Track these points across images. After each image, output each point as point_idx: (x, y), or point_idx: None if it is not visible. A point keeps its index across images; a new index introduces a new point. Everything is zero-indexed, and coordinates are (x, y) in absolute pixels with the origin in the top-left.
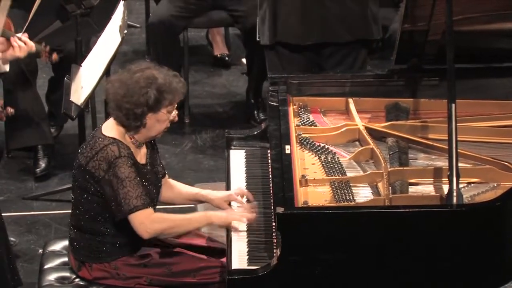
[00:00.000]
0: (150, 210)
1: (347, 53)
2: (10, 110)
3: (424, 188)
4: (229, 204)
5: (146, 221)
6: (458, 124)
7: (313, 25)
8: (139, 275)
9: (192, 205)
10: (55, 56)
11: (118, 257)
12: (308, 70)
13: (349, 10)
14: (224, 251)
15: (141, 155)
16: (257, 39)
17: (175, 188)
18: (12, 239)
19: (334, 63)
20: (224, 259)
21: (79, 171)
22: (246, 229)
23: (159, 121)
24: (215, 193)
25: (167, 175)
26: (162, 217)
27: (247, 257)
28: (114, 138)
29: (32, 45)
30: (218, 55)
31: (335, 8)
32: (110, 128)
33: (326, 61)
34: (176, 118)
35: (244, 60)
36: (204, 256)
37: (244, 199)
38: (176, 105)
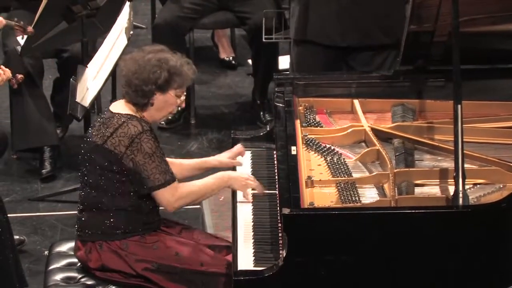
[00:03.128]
0: (176, 183)
1: (377, 52)
2: (20, 75)
3: (430, 189)
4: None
5: (173, 197)
6: (464, 125)
7: (350, 27)
8: (148, 258)
9: (198, 206)
10: (29, 29)
11: (132, 235)
12: (334, 67)
13: (386, 11)
14: (230, 248)
15: None
16: (263, 39)
17: (176, 164)
18: (21, 237)
19: (363, 62)
20: (230, 256)
21: (95, 151)
22: (252, 230)
23: (166, 103)
24: (221, 157)
25: None
26: (186, 191)
27: (253, 258)
28: (130, 115)
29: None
30: (225, 58)
31: (372, 10)
32: (121, 108)
33: (354, 59)
34: (183, 105)
35: (250, 61)
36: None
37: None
38: (185, 91)
